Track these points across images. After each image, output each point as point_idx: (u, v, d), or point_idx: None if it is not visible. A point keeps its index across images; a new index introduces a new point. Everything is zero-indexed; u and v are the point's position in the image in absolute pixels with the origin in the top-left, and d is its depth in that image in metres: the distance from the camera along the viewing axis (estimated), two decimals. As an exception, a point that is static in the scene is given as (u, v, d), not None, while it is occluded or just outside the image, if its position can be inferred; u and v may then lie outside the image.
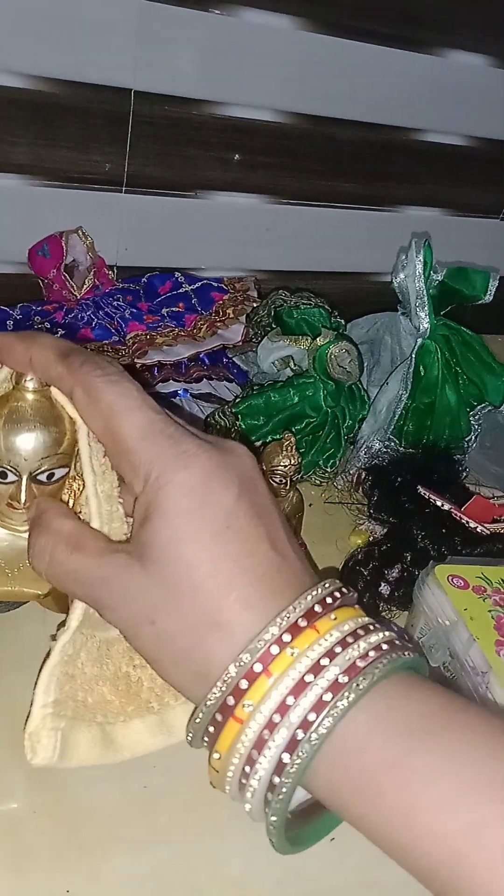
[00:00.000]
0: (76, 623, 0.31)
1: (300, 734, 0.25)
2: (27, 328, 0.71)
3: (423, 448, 0.68)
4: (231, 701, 0.26)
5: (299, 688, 0.25)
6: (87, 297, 0.74)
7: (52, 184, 0.76)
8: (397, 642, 0.27)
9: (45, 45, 0.69)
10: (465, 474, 0.67)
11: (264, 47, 0.77)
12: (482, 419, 0.71)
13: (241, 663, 0.26)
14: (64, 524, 0.31)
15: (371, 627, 0.27)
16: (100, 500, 0.31)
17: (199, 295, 0.77)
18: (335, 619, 0.27)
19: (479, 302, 0.69)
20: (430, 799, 0.23)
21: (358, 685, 0.25)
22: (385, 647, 0.26)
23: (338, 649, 0.26)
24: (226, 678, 0.26)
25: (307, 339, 0.69)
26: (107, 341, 0.69)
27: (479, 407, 0.71)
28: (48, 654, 0.31)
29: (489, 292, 0.69)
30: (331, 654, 0.26)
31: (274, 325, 0.74)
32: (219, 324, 0.74)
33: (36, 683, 0.31)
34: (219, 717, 0.26)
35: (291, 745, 0.25)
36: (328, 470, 0.68)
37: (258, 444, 0.64)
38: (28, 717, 0.31)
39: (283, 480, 0.52)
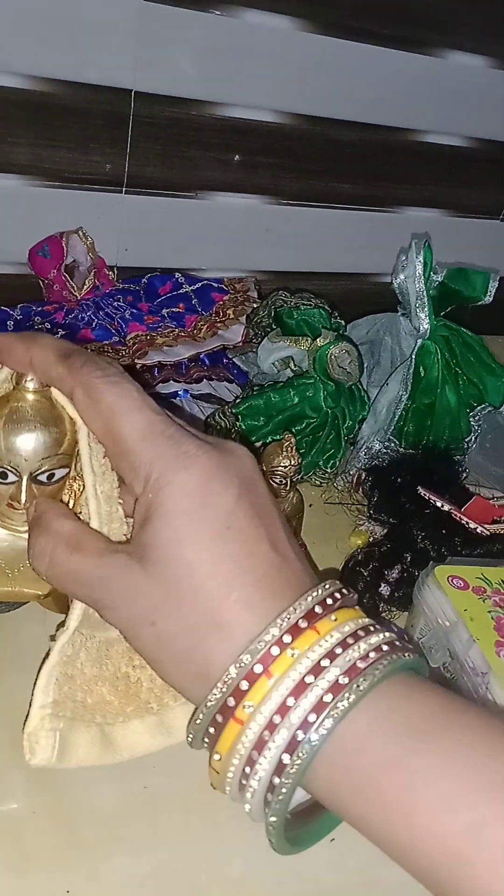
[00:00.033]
0: (75, 623, 0.31)
1: (300, 735, 0.25)
2: (27, 328, 0.71)
3: (423, 449, 0.68)
4: (231, 702, 0.26)
5: (300, 689, 0.25)
6: (87, 298, 0.74)
7: (52, 184, 0.76)
8: (397, 643, 0.27)
9: (45, 45, 0.69)
10: (465, 475, 0.67)
11: (264, 48, 0.77)
12: (482, 420, 0.71)
13: (242, 664, 0.26)
14: (64, 525, 0.31)
15: (371, 629, 0.27)
16: (99, 501, 0.31)
17: (200, 295, 0.77)
18: (335, 620, 0.27)
19: (479, 303, 0.69)
20: (431, 799, 0.23)
21: (358, 686, 0.25)
22: (385, 648, 0.26)
23: (338, 650, 0.26)
24: (226, 679, 0.26)
25: (307, 340, 0.69)
26: (107, 342, 0.69)
27: (479, 408, 0.71)
28: (47, 655, 0.31)
29: (489, 293, 0.69)
30: (331, 655, 0.26)
31: (274, 326, 0.74)
32: (219, 324, 0.74)
33: (35, 683, 0.31)
34: (219, 718, 0.26)
35: (292, 746, 0.25)
36: (328, 470, 0.68)
37: (258, 444, 0.64)
38: (27, 717, 0.31)
39: (284, 481, 0.52)
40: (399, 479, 0.63)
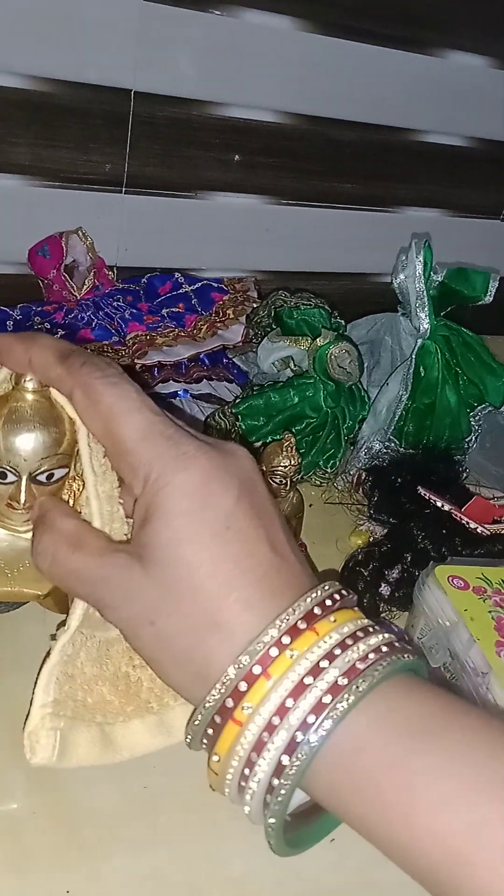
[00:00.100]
0: (76, 623, 0.31)
1: (299, 736, 0.25)
2: (27, 328, 0.71)
3: (424, 449, 0.68)
4: (230, 703, 0.26)
5: (299, 690, 0.25)
6: (87, 298, 0.74)
7: (52, 184, 0.76)
8: (396, 644, 0.27)
9: (45, 45, 0.69)
10: (465, 475, 0.67)
11: (264, 48, 0.77)
12: (482, 420, 0.71)
13: (241, 665, 0.26)
14: (67, 523, 0.31)
15: (370, 630, 0.27)
16: (101, 501, 0.31)
17: (200, 295, 0.77)
18: (334, 621, 0.27)
19: (480, 303, 0.69)
20: (431, 799, 0.23)
21: (357, 687, 0.25)
22: (384, 649, 0.26)
23: (337, 651, 0.26)
24: (225, 680, 0.26)
25: (307, 340, 0.69)
26: (107, 342, 0.69)
27: (479, 408, 0.71)
28: (48, 654, 0.31)
29: (489, 293, 0.68)
30: (330, 656, 0.26)
31: (274, 326, 0.74)
32: (219, 324, 0.74)
33: (36, 683, 0.31)
34: (217, 719, 0.26)
35: (291, 747, 0.25)
36: (328, 470, 0.68)
37: (258, 444, 0.64)
38: (27, 716, 0.31)
39: (284, 481, 0.52)
40: (399, 479, 0.63)
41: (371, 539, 0.62)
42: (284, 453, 0.52)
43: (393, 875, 0.25)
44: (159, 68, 0.74)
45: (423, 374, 0.69)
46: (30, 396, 0.32)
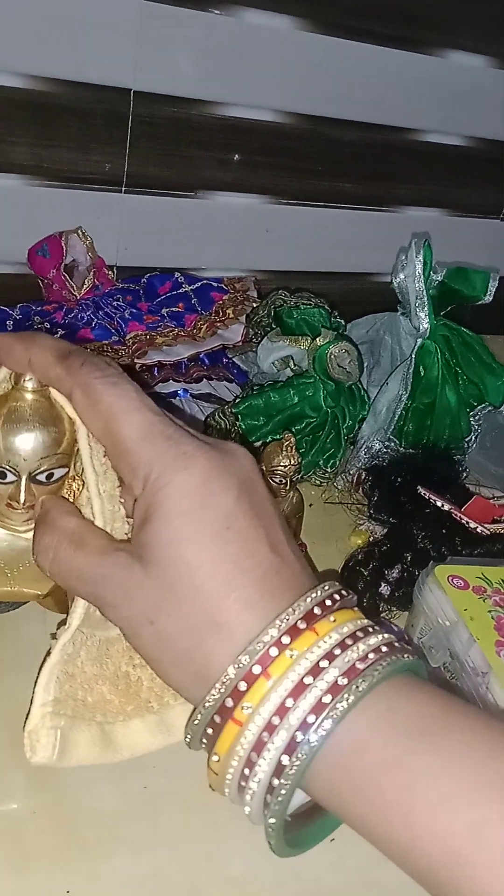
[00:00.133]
0: (77, 622, 0.31)
1: (299, 736, 0.25)
2: (27, 328, 0.71)
3: (423, 448, 0.68)
4: (230, 703, 0.26)
5: (298, 690, 0.25)
6: (86, 298, 0.74)
7: (52, 184, 0.76)
8: (396, 645, 0.27)
9: (45, 45, 0.69)
10: (465, 475, 0.67)
11: (264, 47, 0.77)
12: (482, 419, 0.71)
13: (240, 665, 0.26)
14: (68, 522, 0.31)
15: (370, 630, 0.27)
16: (102, 500, 0.31)
17: (199, 295, 0.77)
18: (334, 621, 0.27)
19: (479, 302, 0.69)
20: (431, 799, 0.23)
21: (357, 687, 0.25)
22: (384, 649, 0.26)
23: (337, 651, 0.26)
24: (224, 680, 0.26)
25: (307, 340, 0.69)
26: (106, 341, 0.69)
27: (479, 407, 0.71)
28: (48, 653, 0.31)
29: (489, 292, 0.68)
30: (330, 656, 0.26)
31: (274, 326, 0.74)
32: (219, 324, 0.74)
33: (36, 682, 0.31)
34: (217, 719, 0.26)
35: (291, 747, 0.25)
36: (328, 470, 0.68)
37: (258, 444, 0.64)
38: (27, 715, 0.31)
39: (283, 481, 0.52)
40: (399, 479, 0.63)
41: (371, 539, 0.62)
42: (284, 453, 0.52)
43: (393, 875, 0.25)
44: (159, 68, 0.74)
45: (422, 374, 0.69)
46: (29, 396, 0.32)
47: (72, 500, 0.34)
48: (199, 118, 0.78)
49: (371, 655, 0.26)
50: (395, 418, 0.69)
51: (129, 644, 0.29)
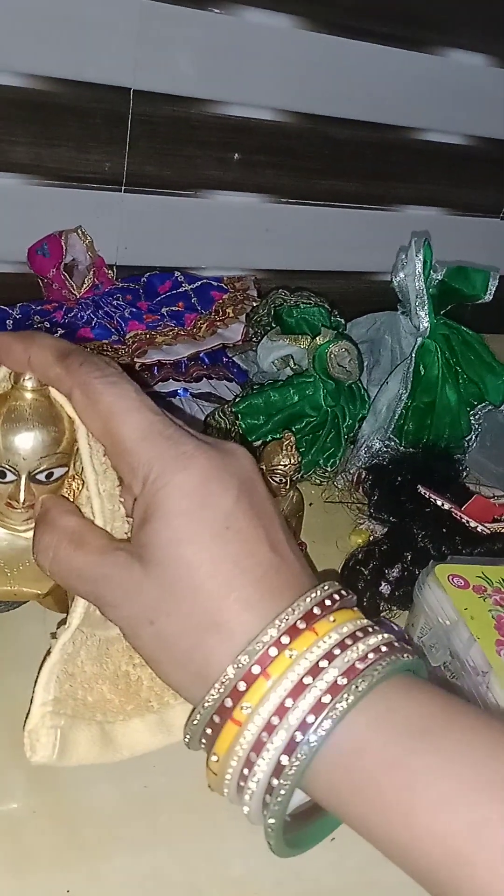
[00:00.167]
0: (77, 621, 0.31)
1: (299, 736, 0.25)
2: (26, 328, 0.71)
3: (424, 447, 0.68)
4: (229, 703, 0.26)
5: (298, 690, 0.25)
6: (86, 297, 0.74)
7: (51, 183, 0.76)
8: (396, 644, 0.27)
9: (45, 45, 0.69)
10: (465, 474, 0.67)
11: (264, 47, 0.77)
12: (482, 418, 0.71)
13: (240, 665, 0.26)
14: (69, 521, 0.31)
15: (370, 630, 0.27)
16: (102, 499, 0.31)
17: (199, 294, 0.77)
18: (334, 621, 0.27)
19: (479, 301, 0.69)
20: (431, 799, 0.23)
21: (357, 687, 0.25)
22: (384, 649, 0.26)
23: (336, 651, 0.26)
24: (224, 680, 0.26)
25: (307, 339, 0.68)
26: (106, 340, 0.69)
27: (479, 406, 0.71)
28: (48, 652, 0.31)
29: (489, 291, 0.68)
30: (329, 656, 0.26)
31: (274, 325, 0.74)
32: (218, 323, 0.74)
33: (36, 681, 0.31)
34: (216, 719, 0.26)
35: (290, 747, 0.25)
36: (328, 469, 0.68)
37: (258, 443, 0.64)
38: (27, 715, 0.31)
39: (283, 480, 0.52)
40: (399, 478, 0.63)
41: (371, 538, 0.62)
42: (284, 452, 0.52)
43: (393, 875, 0.25)
44: (159, 67, 0.74)
45: (422, 373, 0.69)
46: (29, 395, 0.32)
47: (72, 500, 0.34)
48: (198, 117, 0.78)
49: (371, 655, 0.26)
50: (396, 417, 0.69)
51: (129, 644, 0.29)
